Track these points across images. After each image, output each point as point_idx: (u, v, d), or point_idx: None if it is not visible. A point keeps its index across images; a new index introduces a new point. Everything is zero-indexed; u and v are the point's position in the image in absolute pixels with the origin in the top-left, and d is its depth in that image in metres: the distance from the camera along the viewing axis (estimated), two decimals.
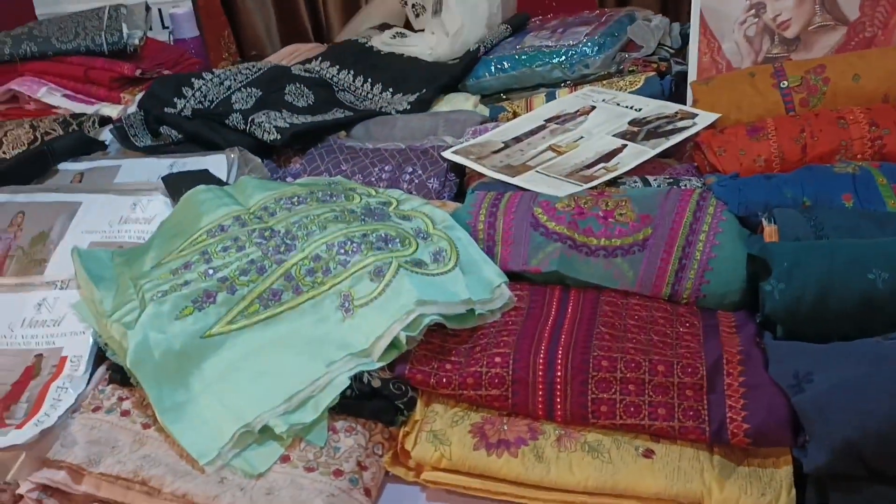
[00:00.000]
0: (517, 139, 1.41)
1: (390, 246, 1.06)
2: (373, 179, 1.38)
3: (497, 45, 1.77)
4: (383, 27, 2.08)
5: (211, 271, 1.03)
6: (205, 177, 1.24)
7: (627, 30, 1.66)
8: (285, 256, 1.05)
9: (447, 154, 1.37)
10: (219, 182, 1.27)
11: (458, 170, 1.39)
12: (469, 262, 1.08)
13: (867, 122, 1.18)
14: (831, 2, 1.48)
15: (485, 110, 1.67)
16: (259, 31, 2.72)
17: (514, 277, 1.10)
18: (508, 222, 1.14)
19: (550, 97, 1.62)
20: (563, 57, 1.63)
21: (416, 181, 1.35)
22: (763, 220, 1.04)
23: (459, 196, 1.36)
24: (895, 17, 1.44)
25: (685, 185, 1.19)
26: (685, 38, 1.78)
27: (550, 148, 1.36)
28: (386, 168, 1.39)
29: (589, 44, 1.62)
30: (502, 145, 1.40)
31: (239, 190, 1.21)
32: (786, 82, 1.34)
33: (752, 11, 1.52)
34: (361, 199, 1.20)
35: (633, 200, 1.11)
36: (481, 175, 1.32)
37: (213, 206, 1.14)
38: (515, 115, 1.62)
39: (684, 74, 1.62)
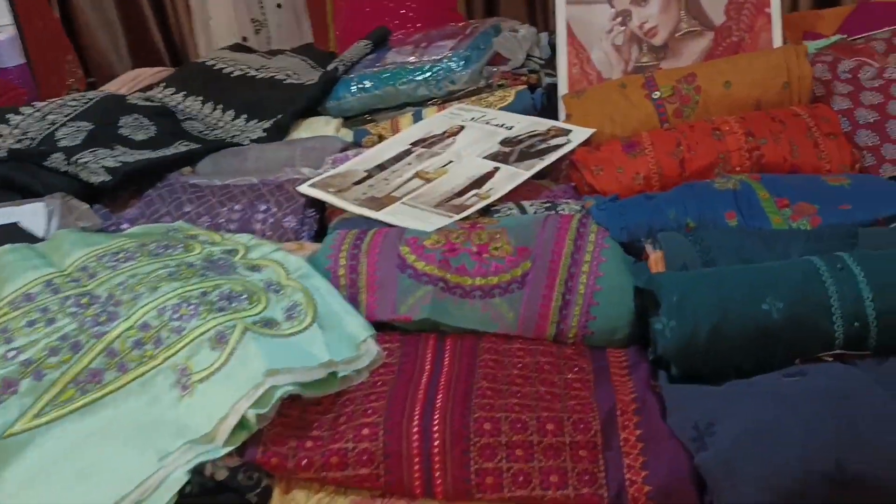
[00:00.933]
0: (381, 167, 1.28)
1: (235, 305, 0.91)
2: (221, 221, 1.22)
3: (357, 63, 1.64)
4: (237, 47, 1.92)
5: (11, 353, 0.85)
6: (11, 233, 1.05)
7: (494, 42, 1.57)
8: (106, 328, 0.88)
9: (304, 188, 1.23)
10: (30, 238, 1.08)
11: (320, 204, 1.25)
12: (329, 315, 0.94)
13: (743, 133, 1.13)
14: (696, 7, 1.44)
15: (348, 134, 1.53)
16: (107, 52, 2.49)
17: (382, 327, 0.98)
18: (373, 265, 1.01)
19: (417, 117, 1.50)
20: (429, 73, 1.52)
21: (271, 220, 1.21)
22: (647, 245, 0.96)
23: (322, 234, 1.22)
24: (760, 20, 1.41)
25: (563, 210, 1.10)
26: (554, 47, 1.71)
27: (417, 175, 1.24)
28: (236, 208, 1.23)
29: (454, 58, 1.52)
30: (365, 175, 1.27)
31: (53, 247, 1.03)
32: (658, 93, 1.28)
33: (619, 20, 1.46)
34: (202, 248, 1.04)
35: (509, 231, 1.01)
36: (344, 210, 1.19)
37: (19, 270, 0.96)
38: (381, 137, 1.50)
39: (556, 86, 1.54)
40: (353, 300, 1.00)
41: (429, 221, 1.09)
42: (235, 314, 0.90)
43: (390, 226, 1.10)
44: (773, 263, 0.86)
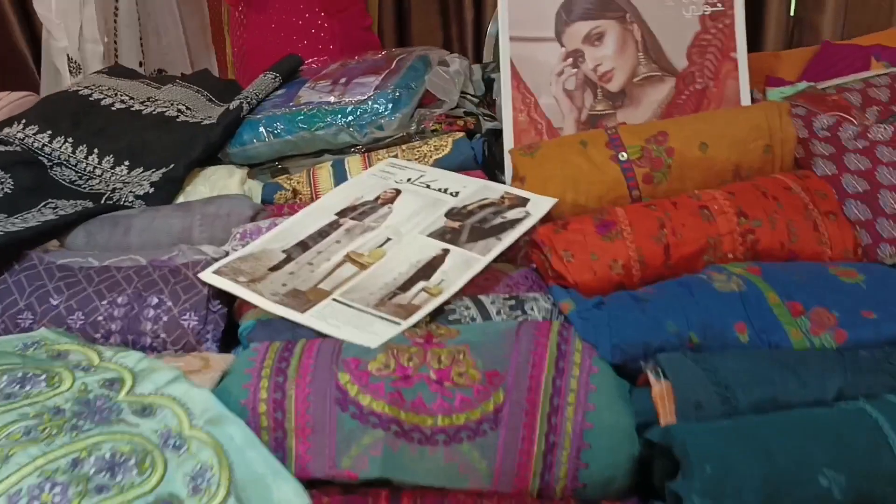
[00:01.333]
0: (303, 245, 1.05)
1: (120, 479, 0.67)
2: (100, 319, 0.96)
3: (265, 101, 1.40)
4: (117, 71, 1.63)
5: None
6: None
7: (426, 80, 1.36)
8: None
9: (207, 276, 0.99)
10: None
11: (226, 292, 1.01)
12: (250, 480, 0.71)
13: (734, 213, 0.97)
14: (656, 50, 1.28)
15: (256, 188, 1.29)
16: None
17: (320, 483, 0.76)
18: (303, 398, 0.79)
19: (339, 169, 1.28)
20: (351, 116, 1.30)
21: (165, 319, 0.96)
22: (648, 373, 0.78)
23: (231, 335, 0.98)
24: (726, 66, 1.27)
25: (532, 309, 0.91)
26: (489, 82, 1.53)
27: (349, 258, 1.02)
28: (119, 300, 0.97)
29: (380, 100, 1.30)
30: (283, 257, 1.03)
31: None
32: (625, 154, 1.11)
33: (570, 61, 1.28)
34: (73, 380, 0.79)
35: (473, 349, 0.81)
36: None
37: None
38: (296, 193, 1.27)
39: (496, 133, 1.35)
40: (280, 447, 0.77)
41: (371, 330, 0.87)
42: (122, 496, 0.66)
43: (323, 335, 0.88)
44: (820, 413, 0.70)
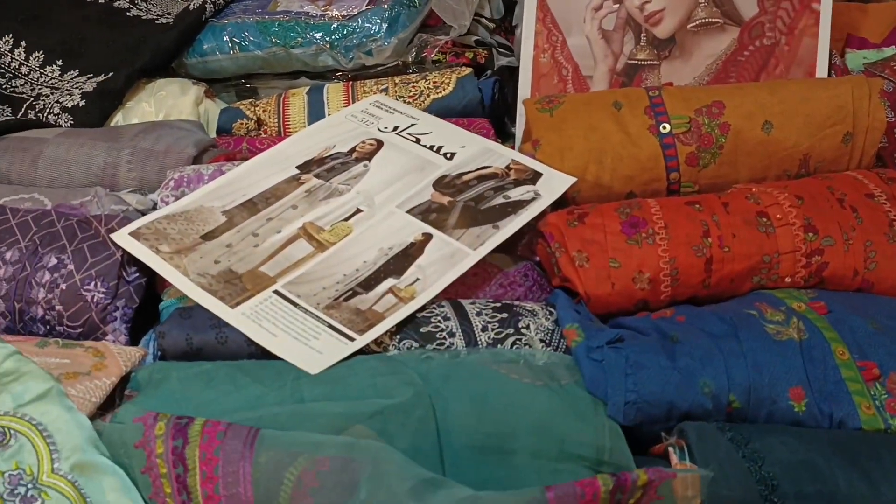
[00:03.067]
0: (250, 206, 0.83)
1: None
2: None
3: (235, 1, 1.15)
4: None
5: None
6: None
7: None
8: None
9: (121, 237, 0.78)
10: None
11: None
12: None
13: (801, 226, 0.75)
14: None
15: (214, 111, 1.07)
16: None
17: None
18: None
19: (315, 97, 1.05)
20: (336, 35, 1.06)
21: (64, 286, 0.75)
22: (670, 448, 0.59)
23: (148, 313, 0.78)
24: (805, 19, 1.02)
25: (527, 329, 0.71)
26: (509, 3, 1.27)
27: (305, 231, 0.81)
28: (8, 256, 0.77)
29: (374, 17, 1.06)
30: (223, 220, 0.82)
31: None
32: (667, 125, 0.88)
33: None
34: None
35: None
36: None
37: None
38: (260, 123, 1.04)
39: (511, 71, 1.11)
40: None
41: (315, 346, 0.67)
42: None
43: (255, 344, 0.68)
44: None
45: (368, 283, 0.74)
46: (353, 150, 0.91)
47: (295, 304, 0.72)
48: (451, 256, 0.77)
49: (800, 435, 0.59)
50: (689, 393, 0.62)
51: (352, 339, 0.68)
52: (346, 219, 0.82)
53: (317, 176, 0.88)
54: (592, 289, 0.74)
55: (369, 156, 0.91)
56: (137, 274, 0.78)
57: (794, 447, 0.58)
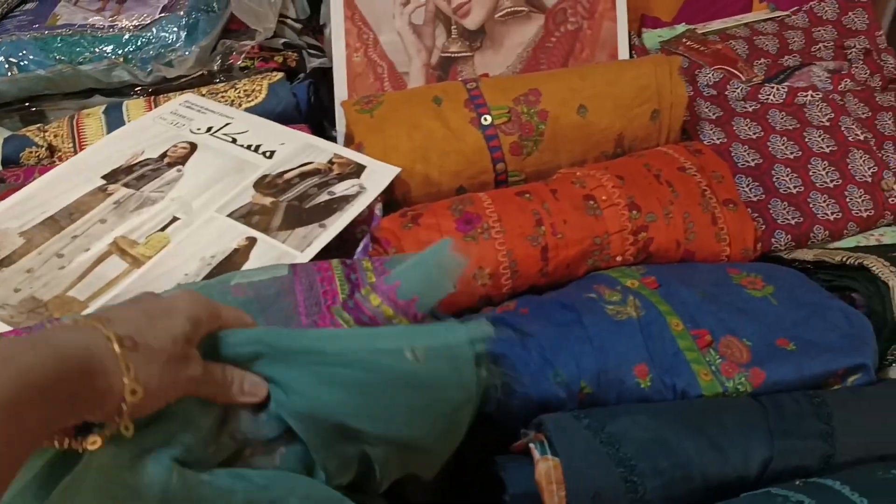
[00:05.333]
0: (52, 224, 0.75)
1: None
2: None
3: (6, 18, 1.03)
4: None
5: None
6: None
7: (231, 1, 1.05)
8: None
9: None
10: None
11: None
12: None
13: (625, 205, 0.78)
14: None
15: None
16: None
17: None
18: None
19: (113, 115, 0.96)
20: (129, 47, 0.98)
21: None
22: (531, 445, 0.59)
23: None
24: (602, 4, 1.05)
25: None
26: (315, 2, 1.23)
27: (116, 247, 0.74)
28: None
29: (170, 26, 0.98)
30: (22, 242, 0.74)
31: None
32: (488, 117, 0.88)
33: None
34: None
35: None
36: None
37: None
38: (53, 150, 0.94)
39: (325, 71, 1.08)
40: None
41: None
42: None
43: None
44: None
45: None
46: (164, 154, 0.85)
47: None
48: (277, 260, 0.73)
49: (649, 411, 0.61)
50: (542, 384, 0.62)
51: None
52: (162, 229, 0.76)
53: (126, 185, 0.81)
54: None
55: (182, 160, 0.85)
56: None
57: (645, 425, 0.59)
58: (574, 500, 0.55)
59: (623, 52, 1.05)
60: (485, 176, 0.88)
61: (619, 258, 0.77)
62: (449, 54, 1.03)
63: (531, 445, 0.58)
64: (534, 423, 0.60)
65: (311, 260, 0.76)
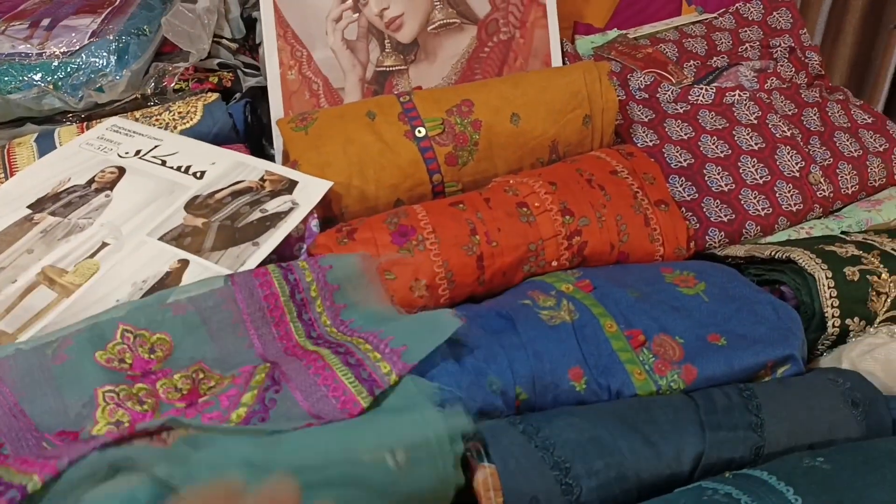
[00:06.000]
0: None
1: None
2: None
3: None
4: None
5: None
6: None
7: (162, 22, 1.05)
8: None
9: None
10: None
11: None
12: None
13: (558, 210, 0.79)
14: None
15: None
16: None
17: None
18: None
19: (45, 144, 0.95)
20: (59, 74, 0.96)
21: None
22: (468, 454, 0.59)
23: None
24: (533, 12, 1.07)
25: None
26: (250, 21, 1.23)
27: (43, 276, 0.73)
28: None
29: (100, 51, 0.97)
30: None
31: None
32: (422, 129, 0.88)
33: (349, 3, 1.02)
34: None
35: (207, 361, 0.63)
36: None
37: None
38: None
39: (262, 90, 1.08)
40: None
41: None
42: None
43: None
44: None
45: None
46: (91, 180, 0.84)
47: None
48: (211, 280, 0.73)
49: (583, 413, 0.62)
50: (478, 393, 0.63)
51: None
52: (92, 255, 0.75)
53: (52, 213, 0.80)
54: None
55: (111, 185, 0.84)
56: None
57: (579, 426, 0.60)
58: (511, 499, 0.56)
59: (556, 60, 1.07)
60: (422, 188, 0.88)
61: (554, 263, 0.78)
62: (384, 68, 1.03)
63: (468, 454, 0.59)
64: (472, 431, 0.60)
65: None
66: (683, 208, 0.91)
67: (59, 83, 0.96)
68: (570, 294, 0.72)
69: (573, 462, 0.58)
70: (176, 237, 0.78)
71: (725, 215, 0.91)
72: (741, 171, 0.94)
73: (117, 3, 1.06)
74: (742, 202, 0.92)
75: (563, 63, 1.07)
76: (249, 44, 1.19)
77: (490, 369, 0.64)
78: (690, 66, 1.09)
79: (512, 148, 0.90)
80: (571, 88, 0.92)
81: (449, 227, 0.76)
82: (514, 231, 0.77)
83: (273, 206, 0.82)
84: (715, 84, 1.04)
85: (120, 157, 0.88)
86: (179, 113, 0.98)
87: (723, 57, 1.10)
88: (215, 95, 1.01)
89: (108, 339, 0.62)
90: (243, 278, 0.68)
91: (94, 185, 0.84)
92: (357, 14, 1.02)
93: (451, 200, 0.81)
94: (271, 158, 1.01)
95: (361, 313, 0.68)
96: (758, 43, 1.12)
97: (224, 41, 1.15)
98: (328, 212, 0.86)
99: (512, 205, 0.79)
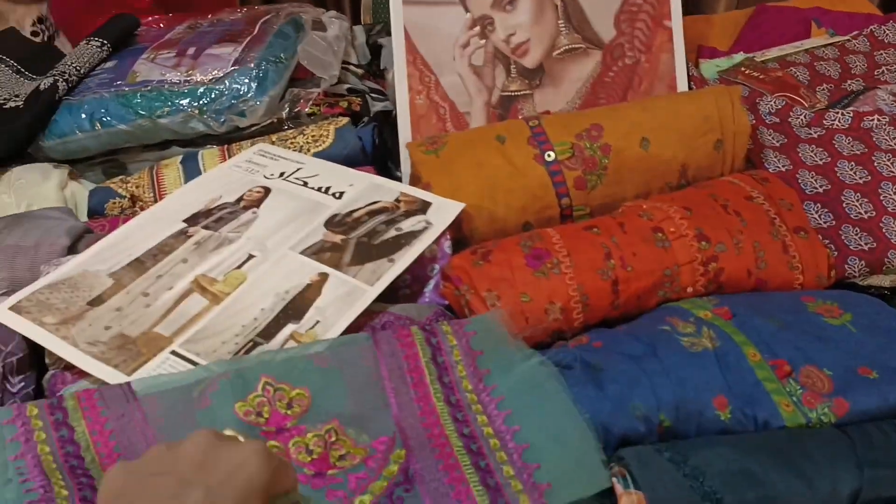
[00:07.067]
0: (138, 265, 0.79)
1: None
2: None
3: (88, 76, 1.09)
4: None
5: None
6: None
7: (298, 51, 1.10)
8: None
9: (1, 314, 0.72)
10: None
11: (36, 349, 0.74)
12: None
13: (694, 236, 0.78)
14: (578, 17, 1.06)
15: (81, 194, 1.01)
16: None
17: None
18: None
19: (190, 166, 1.01)
20: (203, 100, 1.02)
21: None
22: (613, 479, 0.59)
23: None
24: (659, 36, 1.07)
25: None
26: (375, 47, 1.27)
27: (197, 284, 0.77)
28: None
29: (241, 77, 1.03)
30: (111, 283, 0.78)
31: None
32: (552, 153, 0.89)
33: (477, 30, 1.04)
34: None
35: (343, 420, 0.63)
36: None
37: None
38: (135, 200, 0.99)
39: (387, 114, 1.11)
40: None
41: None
42: None
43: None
44: None
45: (268, 332, 0.72)
46: (240, 199, 0.89)
47: (194, 364, 0.68)
48: (349, 295, 0.75)
49: (731, 443, 0.61)
50: (621, 419, 0.62)
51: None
52: (239, 266, 0.80)
53: (205, 227, 0.85)
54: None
55: (257, 203, 0.89)
56: (23, 383, 0.72)
57: (729, 457, 0.59)
58: None
59: (682, 84, 1.06)
60: (550, 211, 0.89)
61: (689, 289, 0.77)
62: (509, 93, 1.05)
63: (613, 480, 0.59)
64: (614, 458, 0.60)
65: (383, 303, 0.78)
66: (821, 235, 0.88)
67: (204, 108, 1.01)
68: (709, 321, 0.71)
69: (724, 492, 0.57)
70: (316, 252, 0.81)
71: (866, 243, 0.88)
72: (882, 197, 0.91)
73: (255, 32, 1.11)
74: (884, 230, 0.88)
75: (689, 87, 1.06)
76: (374, 69, 1.24)
77: (633, 395, 0.63)
78: (823, 89, 1.06)
79: (641, 172, 0.90)
80: (703, 113, 0.91)
81: (584, 251, 0.77)
82: (650, 256, 0.77)
83: (408, 225, 0.85)
84: (851, 108, 1.01)
85: (266, 178, 0.92)
86: (312, 136, 1.02)
87: (858, 80, 1.07)
88: (345, 120, 1.05)
89: (249, 390, 0.64)
90: (385, 337, 0.69)
91: (242, 203, 0.89)
92: (484, 40, 1.04)
93: (584, 224, 0.81)
94: (398, 180, 1.04)
95: (504, 381, 0.66)
96: (895, 66, 1.08)
97: (351, 67, 1.19)
98: (458, 233, 0.88)
99: (647, 230, 0.78)
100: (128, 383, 0.64)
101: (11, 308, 0.74)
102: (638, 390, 0.64)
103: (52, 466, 0.60)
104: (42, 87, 1.03)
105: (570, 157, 0.89)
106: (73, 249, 0.85)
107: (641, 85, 1.06)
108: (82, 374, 0.70)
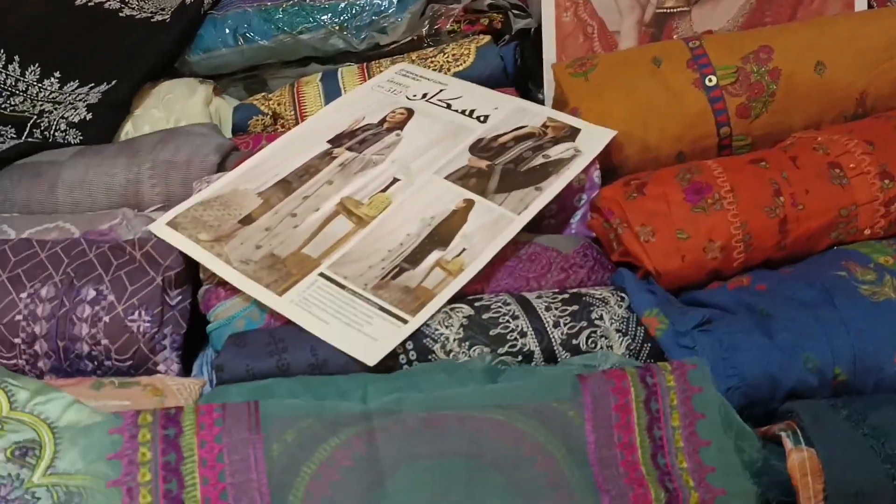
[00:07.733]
0: (285, 185, 0.80)
1: None
2: (19, 319, 0.71)
3: None
4: None
5: None
6: None
7: None
8: None
9: (159, 229, 0.75)
10: None
11: (189, 271, 0.76)
12: None
13: (877, 173, 0.71)
14: None
15: (225, 110, 1.02)
16: None
17: None
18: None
19: (329, 84, 1.00)
20: (344, 16, 1.00)
21: (107, 319, 0.71)
22: (783, 435, 0.56)
23: (197, 326, 0.75)
24: None
25: (601, 320, 0.67)
26: None
27: (343, 207, 0.77)
28: (44, 293, 0.72)
29: None
30: (260, 202, 0.79)
31: None
32: (713, 77, 0.83)
33: None
34: None
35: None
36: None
37: None
38: (276, 118, 0.99)
39: (529, 32, 1.06)
40: None
41: (369, 332, 0.65)
42: None
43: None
44: None
45: (415, 258, 0.72)
46: (383, 120, 0.88)
47: (342, 287, 0.69)
48: (495, 223, 0.74)
49: None
50: (792, 370, 0.59)
51: (405, 321, 0.66)
52: (384, 190, 0.79)
53: (349, 149, 0.84)
54: (662, 264, 0.70)
55: (401, 125, 0.87)
56: (181, 297, 0.74)
57: None
58: (833, 495, 0.52)
59: (861, 2, 0.95)
60: (707, 141, 0.83)
61: (867, 232, 0.71)
62: (664, 10, 0.98)
63: (782, 434, 0.55)
64: (783, 410, 0.57)
65: (529, 232, 0.75)
66: None
67: (346, 24, 0.99)
68: (891, 267, 0.65)
69: (889, 436, 0.52)
70: (461, 177, 0.80)
71: None
72: None
73: None
74: None
75: (870, 6, 0.96)
76: None
77: (807, 345, 0.59)
78: None
79: (813, 100, 0.82)
80: (888, 34, 0.82)
81: (750, 187, 0.71)
82: (825, 194, 0.70)
83: (556, 152, 0.81)
84: None
85: (408, 99, 0.90)
86: (453, 55, 0.99)
87: None
88: (487, 38, 1.01)
89: None
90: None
91: (385, 125, 0.88)
92: None
93: (750, 157, 0.75)
94: (539, 103, 1.00)
95: (723, 464, 0.55)
96: None
97: None
98: (607, 161, 0.83)
99: (822, 165, 0.72)
100: (255, 404, 0.57)
101: (169, 224, 0.76)
102: (812, 341, 0.59)
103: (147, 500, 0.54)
104: (187, 0, 1.04)
105: (733, 82, 0.82)
106: (221, 167, 0.86)
107: (814, 3, 0.96)
108: (234, 291, 0.72)
